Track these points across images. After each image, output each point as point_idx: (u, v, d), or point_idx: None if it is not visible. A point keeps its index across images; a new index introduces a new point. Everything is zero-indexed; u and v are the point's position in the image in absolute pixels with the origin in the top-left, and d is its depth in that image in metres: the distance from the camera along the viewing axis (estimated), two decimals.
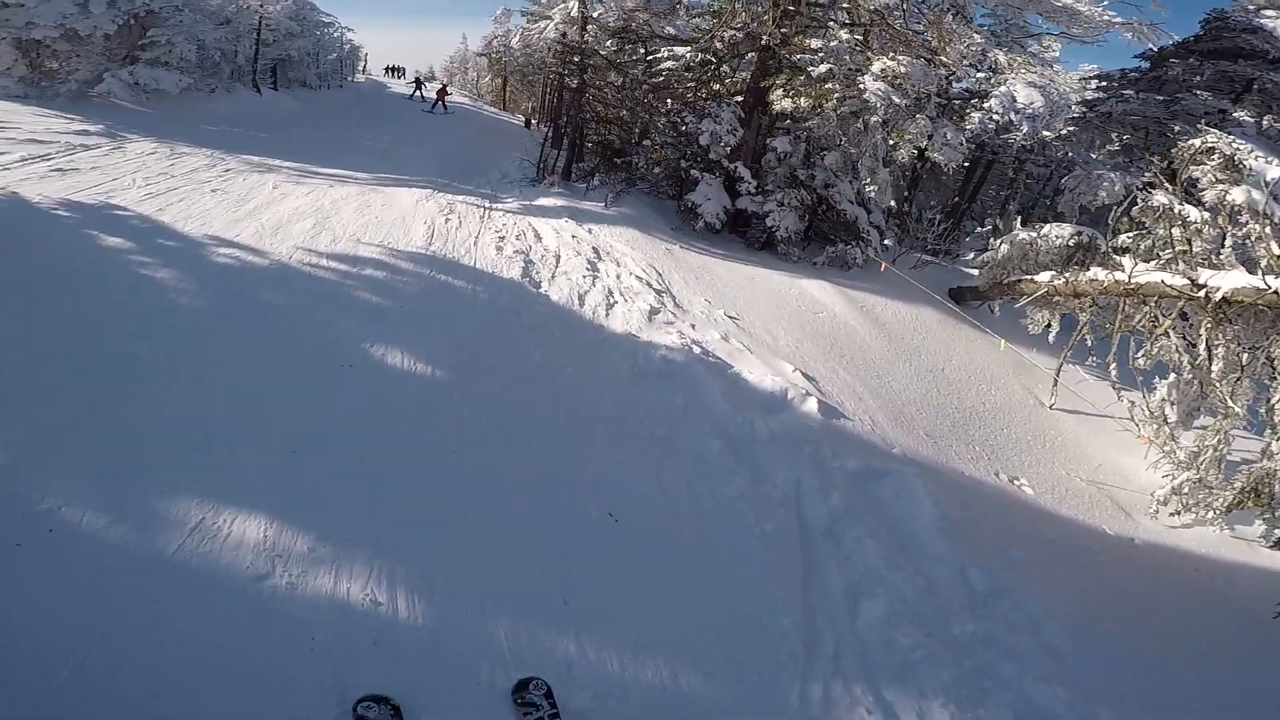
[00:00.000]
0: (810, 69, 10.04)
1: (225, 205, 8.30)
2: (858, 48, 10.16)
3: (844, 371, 7.78)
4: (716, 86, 13.04)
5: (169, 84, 15.61)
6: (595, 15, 19.16)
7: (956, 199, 20.15)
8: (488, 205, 10.42)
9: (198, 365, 4.85)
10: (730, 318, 8.30)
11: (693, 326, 7.68)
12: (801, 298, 9.65)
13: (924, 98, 10.12)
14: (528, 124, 26.05)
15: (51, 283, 5.55)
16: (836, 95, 10.09)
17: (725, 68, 12.84)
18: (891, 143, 12.70)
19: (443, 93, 26.85)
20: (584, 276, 8.08)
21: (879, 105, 9.55)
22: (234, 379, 4.78)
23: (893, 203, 12.62)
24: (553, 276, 7.96)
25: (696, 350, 6.93)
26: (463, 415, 5.05)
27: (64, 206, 7.54)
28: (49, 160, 9.72)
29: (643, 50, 14.77)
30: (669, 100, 13.36)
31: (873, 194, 12.06)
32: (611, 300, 7.70)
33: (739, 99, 12.21)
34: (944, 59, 9.60)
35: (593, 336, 6.95)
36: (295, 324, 5.68)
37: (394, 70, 42.02)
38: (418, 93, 30.19)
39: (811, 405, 6.39)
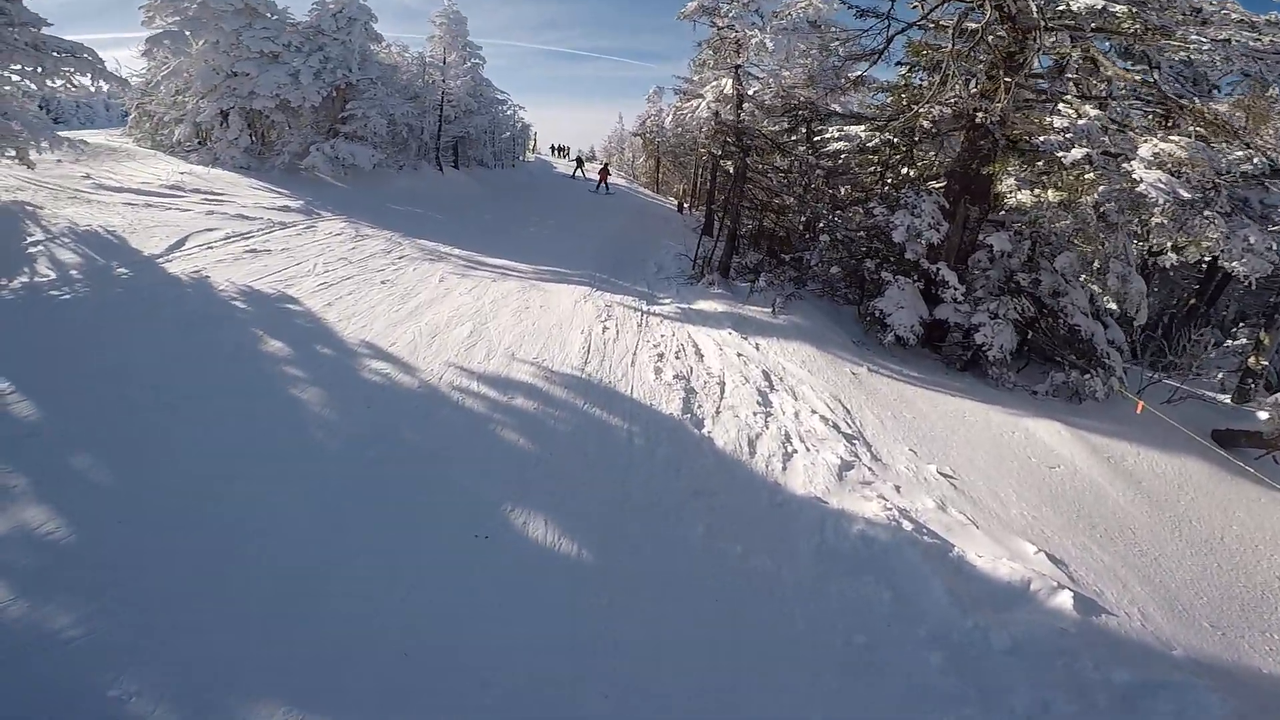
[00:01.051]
0: (1059, 154, 7.96)
1: (390, 301, 7.98)
2: (1114, 125, 8.04)
3: (1098, 548, 5.76)
4: (907, 171, 11.40)
5: (363, 159, 16.71)
6: (751, 92, 18.41)
7: (1193, 301, 16.36)
8: (644, 308, 9.52)
9: (321, 526, 4.05)
10: (945, 476, 6.53)
11: (897, 489, 6.02)
12: (1030, 445, 7.64)
13: (1212, 188, 7.73)
14: (680, 208, 25.78)
15: (199, 400, 5.14)
16: (1100, 188, 8.07)
17: (918, 149, 11.12)
18: (1169, 245, 10.24)
19: (604, 173, 27.64)
20: (754, 414, 6.75)
21: (1160, 199, 7.36)
22: (356, 547, 3.93)
23: (1143, 319, 10.02)
24: (717, 412, 6.70)
25: (906, 525, 5.28)
26: (611, 614, 3.86)
27: (243, 296, 7.47)
28: (248, 239, 10.19)
29: (805, 129, 13.68)
30: (844, 186, 11.97)
31: (1118, 306, 9.68)
32: (790, 449, 6.27)
33: (938, 185, 10.45)
34: (1258, 139, 7.26)
35: (767, 501, 5.52)
36: (433, 475, 4.81)
37: (559, 150, 44.46)
38: (579, 172, 31.85)
39: (1063, 600, 4.54)
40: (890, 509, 5.44)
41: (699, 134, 22.65)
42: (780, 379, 7.81)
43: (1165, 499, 6.94)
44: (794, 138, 14.08)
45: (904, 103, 10.47)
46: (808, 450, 6.30)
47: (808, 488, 5.70)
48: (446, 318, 7.63)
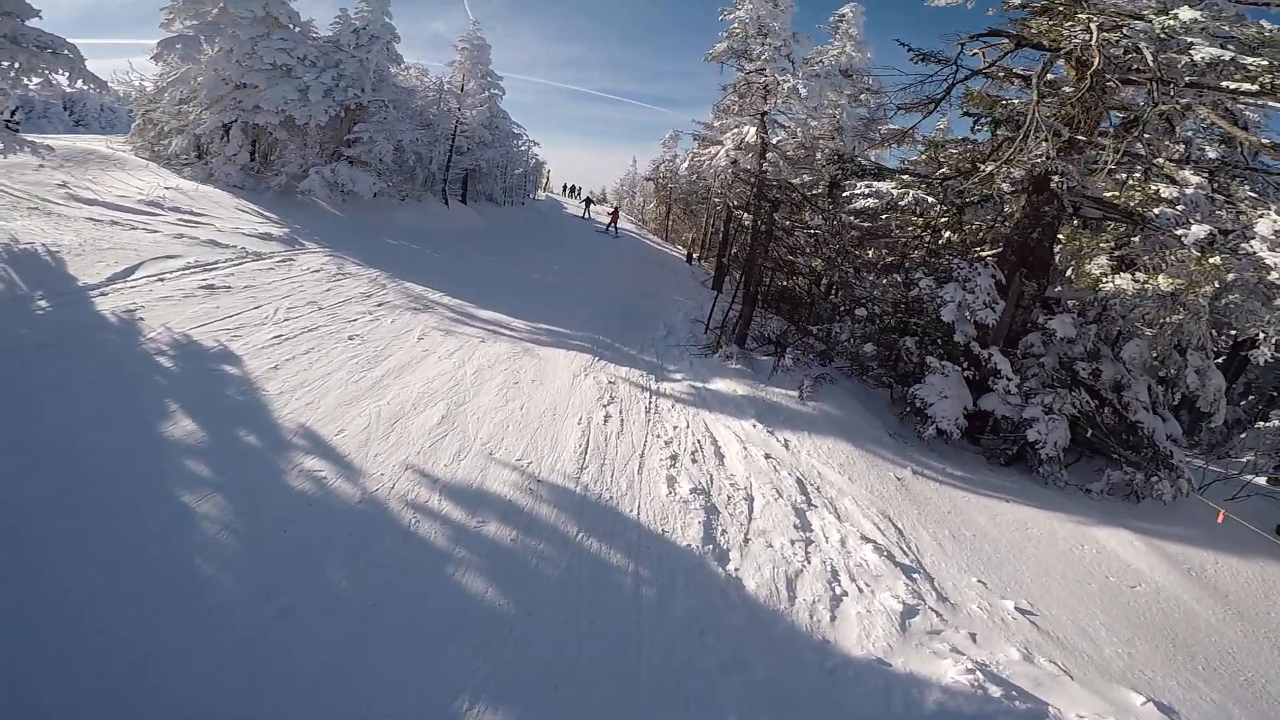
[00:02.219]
0: (1176, 231, 6.63)
1: (353, 366, 6.55)
2: (1221, 196, 6.74)
3: (1204, 685, 4.81)
4: (949, 236, 10.09)
5: (363, 186, 15.48)
6: (775, 141, 17.34)
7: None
8: (653, 385, 8.11)
9: None
10: (1023, 612, 5.15)
11: (973, 637, 4.64)
12: (1104, 560, 6.28)
13: None
14: (690, 258, 24.67)
15: (53, 511, 3.66)
16: (1228, 275, 6.75)
17: (968, 213, 9.79)
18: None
19: (615, 215, 27.44)
20: (792, 541, 5.29)
21: None
22: None
23: (1220, 418, 8.72)
24: (746, 540, 5.24)
25: (992, 688, 4.02)
26: None
27: (173, 349, 6.02)
28: (210, 271, 8.80)
29: (825, 184, 12.27)
30: (879, 249, 10.69)
31: (1190, 398, 8.37)
32: (838, 590, 4.83)
33: (989, 253, 9.13)
34: None
35: (816, 668, 4.07)
36: (359, 644, 3.32)
37: (571, 189, 43.83)
38: (588, 212, 31.86)
39: None
40: (970, 668, 4.24)
41: (715, 183, 21.68)
42: (818, 488, 6.38)
43: (1256, 612, 6.11)
44: (815, 192, 12.93)
45: (966, 159, 9.26)
46: (860, 592, 4.90)
47: (864, 645, 4.31)
48: (416, 394, 6.18)
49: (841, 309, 10.45)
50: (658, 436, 6.52)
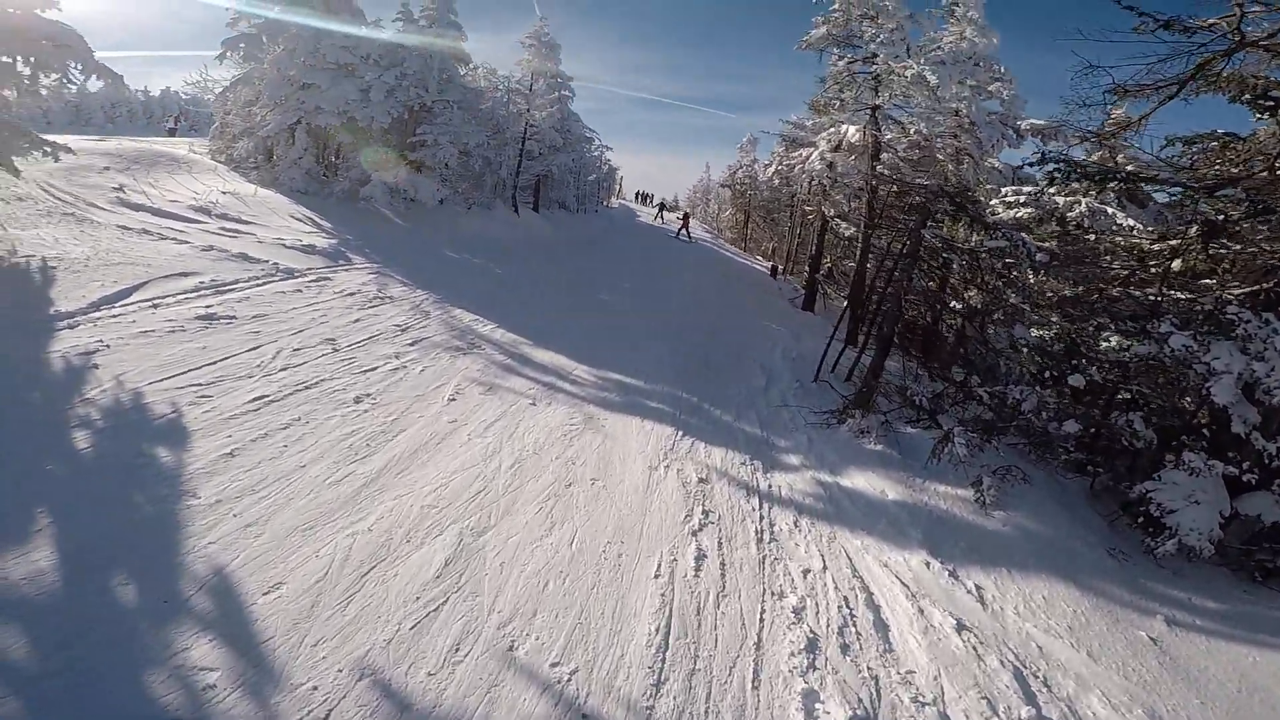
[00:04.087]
0: None
1: (343, 452, 4.52)
2: None
3: None
4: (1176, 265, 7.11)
5: (426, 193, 13.85)
6: (888, 138, 14.37)
7: None
8: (762, 484, 5.68)
9: None
10: None
11: None
12: None
13: None
14: (774, 272, 21.94)
15: None
16: None
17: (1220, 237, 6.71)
18: None
19: (685, 220, 26.10)
20: None
21: None
22: None
23: None
24: None
25: None
26: None
27: (108, 415, 4.23)
28: (221, 295, 7.14)
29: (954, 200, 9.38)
30: (1072, 283, 7.83)
31: None
32: None
33: (1238, 291, 6.26)
34: None
35: None
36: None
37: (644, 196, 41.84)
38: (660, 216, 30.68)
39: None
40: None
41: (805, 188, 18.87)
42: (1046, 683, 3.87)
43: None
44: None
45: (1237, 159, 6.36)
46: None
47: None
48: (419, 509, 4.07)
49: (1015, 365, 7.67)
50: (780, 596, 4.11)
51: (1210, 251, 6.39)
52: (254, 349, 5.87)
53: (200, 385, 4.97)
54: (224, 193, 12.20)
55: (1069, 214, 8.34)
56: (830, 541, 4.97)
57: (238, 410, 4.74)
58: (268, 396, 5.04)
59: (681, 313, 11.90)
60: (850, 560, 4.74)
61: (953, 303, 8.84)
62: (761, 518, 5.07)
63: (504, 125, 17.61)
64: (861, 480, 6.01)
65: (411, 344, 6.95)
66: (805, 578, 4.36)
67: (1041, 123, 12.45)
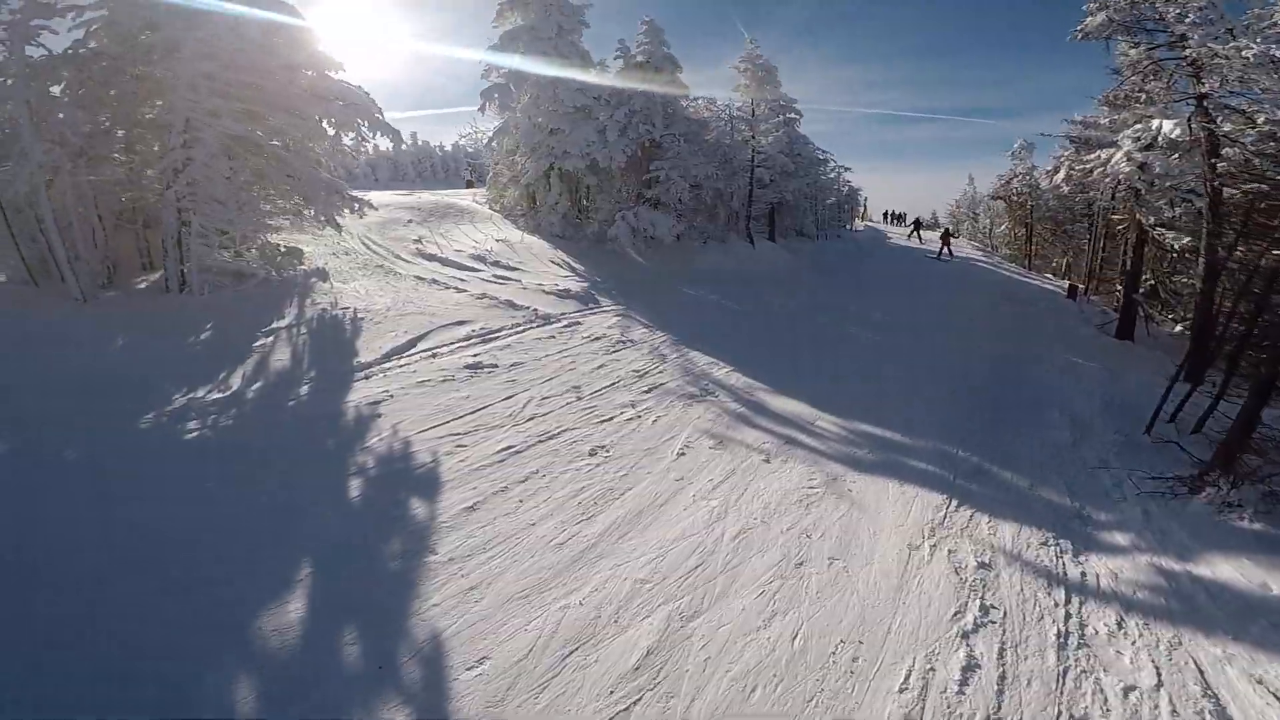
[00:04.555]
0: None
1: (572, 510, 4.36)
2: None
3: None
4: None
5: (663, 229, 14.18)
6: (1226, 130, 10.60)
7: None
8: (1070, 572, 4.16)
9: None
10: None
11: None
12: None
13: None
14: (1073, 293, 17.85)
15: None
16: None
17: None
18: None
19: (946, 238, 23.17)
20: None
21: None
22: None
23: None
24: None
25: None
26: None
27: (380, 465, 4.69)
28: (488, 343, 7.88)
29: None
30: None
31: None
32: None
33: None
34: None
35: None
36: None
37: (896, 216, 38.22)
38: (916, 236, 27.55)
39: None
40: None
41: (1106, 194, 15.11)
42: None
43: None
44: None
45: None
46: None
47: None
48: (630, 584, 3.64)
49: None
50: None
51: None
52: (508, 399, 6.24)
53: (458, 435, 5.34)
54: (498, 240, 13.95)
55: None
56: (1172, 649, 3.42)
57: (486, 461, 4.95)
58: (514, 448, 5.21)
59: (950, 347, 10.07)
60: (1202, 674, 3.20)
61: None
62: (1068, 616, 3.68)
63: (730, 154, 17.43)
64: (1227, 569, 4.11)
65: (647, 391, 6.81)
66: (1126, 697, 2.96)
67: None
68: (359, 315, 8.07)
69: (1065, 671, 3.28)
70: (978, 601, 3.79)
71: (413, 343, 7.53)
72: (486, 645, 3.14)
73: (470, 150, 41.96)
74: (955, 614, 3.68)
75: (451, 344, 7.65)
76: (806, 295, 13.39)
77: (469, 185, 29.69)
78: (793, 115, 19.20)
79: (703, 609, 3.55)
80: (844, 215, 27.62)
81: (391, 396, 5.96)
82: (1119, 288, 15.25)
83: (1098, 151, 14.62)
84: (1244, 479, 4.99)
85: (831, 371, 8.15)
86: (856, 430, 6.30)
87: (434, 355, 7.26)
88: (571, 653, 3.14)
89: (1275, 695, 3.12)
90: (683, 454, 5.42)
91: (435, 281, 10.24)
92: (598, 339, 8.59)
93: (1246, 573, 4.17)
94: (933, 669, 3.23)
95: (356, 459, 4.79)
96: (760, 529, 4.40)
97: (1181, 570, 4.25)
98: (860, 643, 3.39)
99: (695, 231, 16.02)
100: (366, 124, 9.36)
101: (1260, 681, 3.23)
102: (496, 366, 7.09)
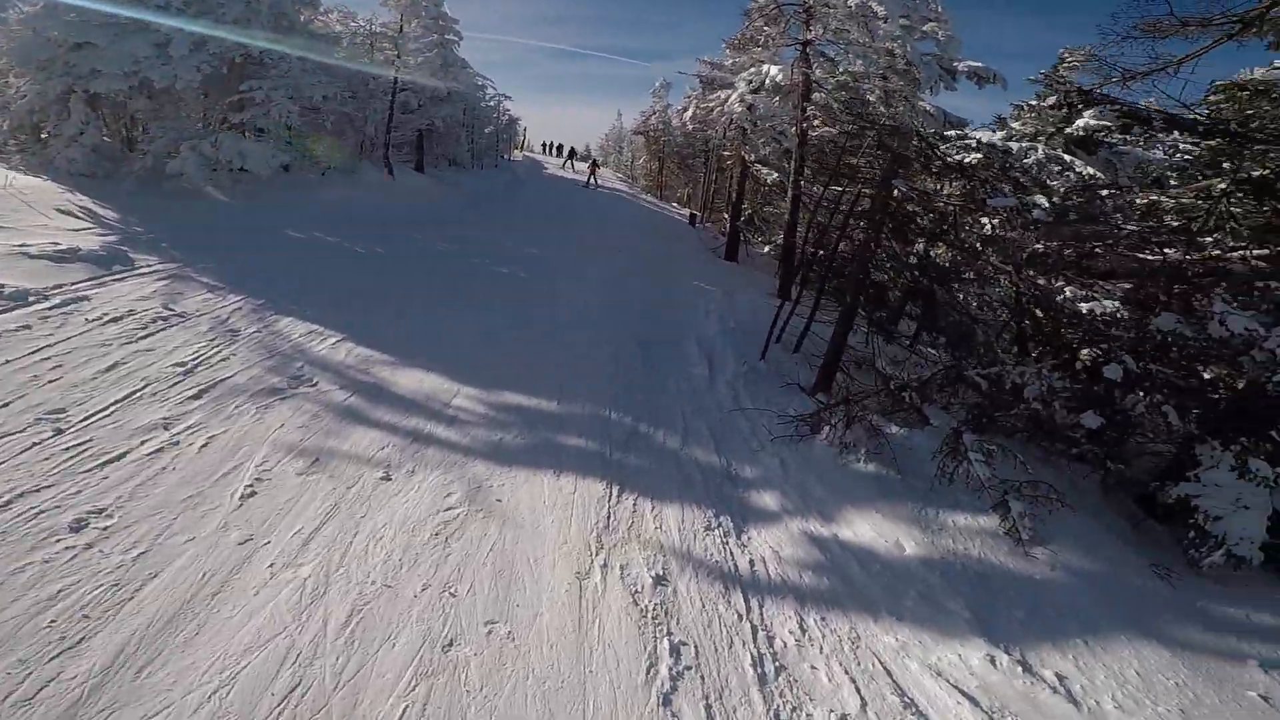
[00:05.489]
0: None
1: (47, 625, 2.42)
2: None
3: None
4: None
5: (257, 161, 10.79)
6: (817, 76, 12.67)
7: None
8: (735, 549, 3.99)
9: None
10: None
11: None
12: None
13: None
14: (693, 221, 20.17)
15: None
16: None
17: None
18: None
19: (593, 169, 25.08)
20: None
21: None
22: None
23: None
24: None
25: None
26: None
27: None
28: None
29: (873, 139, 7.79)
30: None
31: None
32: None
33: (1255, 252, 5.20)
34: None
35: None
36: None
37: (554, 148, 38.41)
38: (568, 163, 29.50)
39: None
40: None
41: (723, 132, 16.94)
42: None
43: None
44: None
45: None
46: None
47: None
48: None
49: (1002, 337, 6.28)
50: None
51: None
52: None
53: None
54: None
55: (1024, 160, 6.95)
56: (855, 647, 3.40)
57: None
58: None
59: (603, 285, 9.88)
60: (892, 676, 3.24)
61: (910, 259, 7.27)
62: (754, 630, 3.40)
63: (369, 75, 14.50)
64: (865, 528, 4.43)
65: (198, 394, 4.62)
66: None
67: (979, 65, 11.60)
68: None
69: (777, 716, 2.91)
70: (665, 641, 3.22)
71: None
72: None
73: None
74: (648, 669, 3.03)
75: None
76: (455, 231, 11.86)
77: None
78: (451, 37, 16.87)
79: None
80: (502, 145, 26.32)
81: None
82: (726, 216, 17.60)
83: (719, 92, 16.17)
84: (846, 413, 5.46)
85: (477, 324, 7.02)
86: (504, 404, 5.33)
87: None
88: None
89: (958, 689, 3.18)
90: (251, 494, 3.65)
91: None
92: (116, 320, 5.70)
93: (881, 530, 4.43)
94: None
95: None
96: (384, 600, 3.08)
97: (829, 536, 4.34)
98: None
99: (308, 162, 12.79)
100: None
101: (940, 674, 3.29)
102: None
